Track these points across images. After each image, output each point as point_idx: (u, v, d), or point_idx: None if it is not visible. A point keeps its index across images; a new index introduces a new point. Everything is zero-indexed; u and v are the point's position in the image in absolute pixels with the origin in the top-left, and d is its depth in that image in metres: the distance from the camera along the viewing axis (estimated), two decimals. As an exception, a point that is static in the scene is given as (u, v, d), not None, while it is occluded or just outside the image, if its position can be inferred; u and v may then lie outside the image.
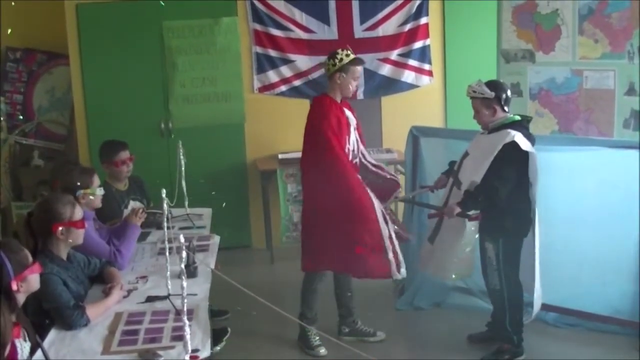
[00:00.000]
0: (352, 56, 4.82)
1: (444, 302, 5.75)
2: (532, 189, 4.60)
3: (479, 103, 4.68)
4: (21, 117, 7.55)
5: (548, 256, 4.92)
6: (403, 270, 4.67)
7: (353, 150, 4.87)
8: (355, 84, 4.89)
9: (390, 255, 4.64)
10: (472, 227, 4.80)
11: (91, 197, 4.41)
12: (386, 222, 4.68)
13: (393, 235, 4.68)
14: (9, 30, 7.15)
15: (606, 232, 5.00)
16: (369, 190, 4.69)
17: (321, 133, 4.73)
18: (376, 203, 4.68)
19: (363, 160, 5.05)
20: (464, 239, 4.84)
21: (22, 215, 5.29)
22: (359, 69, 4.89)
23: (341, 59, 4.80)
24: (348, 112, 4.89)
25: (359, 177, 4.77)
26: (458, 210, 4.61)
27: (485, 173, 4.54)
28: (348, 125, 4.84)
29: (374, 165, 5.11)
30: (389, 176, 5.15)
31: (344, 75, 4.80)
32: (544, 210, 4.76)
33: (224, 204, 6.11)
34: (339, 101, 4.87)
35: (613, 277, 5.06)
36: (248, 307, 5.12)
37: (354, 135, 4.89)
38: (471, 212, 4.66)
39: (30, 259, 3.17)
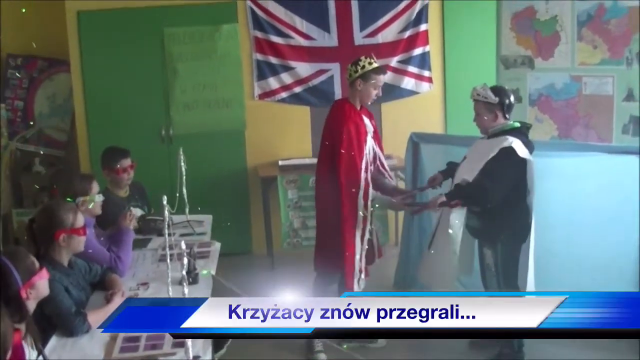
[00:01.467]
0: (374, 64, 4.86)
1: (444, 307, 5.75)
2: (530, 196, 4.62)
3: (482, 107, 4.68)
4: (31, 122, 7.57)
5: (548, 261, 4.94)
6: (362, 284, 4.94)
7: (369, 158, 4.90)
8: (376, 92, 4.91)
9: (357, 271, 4.87)
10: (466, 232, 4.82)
11: (91, 204, 4.42)
12: (362, 242, 4.84)
13: (363, 254, 4.90)
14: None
15: (606, 238, 5.01)
16: (361, 203, 4.77)
17: (337, 141, 4.79)
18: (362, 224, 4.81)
19: (381, 168, 5.09)
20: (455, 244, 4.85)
21: (23, 221, 5.31)
22: (381, 77, 4.93)
23: (363, 66, 4.84)
24: (366, 120, 4.93)
25: (366, 186, 4.81)
26: (442, 199, 4.62)
27: (478, 173, 4.56)
28: (366, 132, 4.88)
29: (389, 176, 5.18)
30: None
31: (365, 83, 4.83)
32: (544, 215, 4.77)
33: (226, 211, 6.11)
34: (358, 108, 4.91)
35: (613, 282, 5.06)
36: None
37: (370, 143, 4.93)
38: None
39: (37, 265, 3.18)
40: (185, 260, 2.91)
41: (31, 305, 3.11)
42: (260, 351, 5.18)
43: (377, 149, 5.05)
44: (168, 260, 3.84)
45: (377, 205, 4.95)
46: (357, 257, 4.84)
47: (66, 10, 6.81)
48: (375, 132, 5.04)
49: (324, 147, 4.99)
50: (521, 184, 4.59)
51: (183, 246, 2.94)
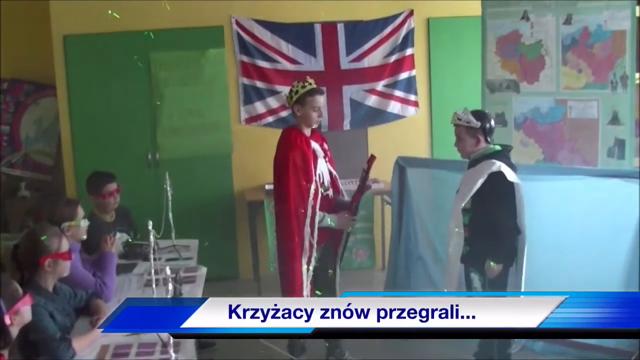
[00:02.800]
0: (308, 87, 4.78)
1: (431, 331, 5.73)
2: (520, 218, 4.63)
3: (463, 131, 4.71)
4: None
5: (535, 282, 4.93)
6: None
7: (323, 183, 4.87)
8: (316, 114, 4.82)
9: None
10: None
11: (76, 228, 4.40)
12: (307, 269, 4.77)
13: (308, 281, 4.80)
14: None
15: (592, 259, 5.02)
16: (307, 231, 4.74)
17: (283, 171, 4.76)
18: (308, 252, 4.76)
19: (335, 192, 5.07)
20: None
21: (8, 247, 5.27)
22: (319, 98, 4.81)
23: (297, 91, 4.79)
24: (315, 144, 4.86)
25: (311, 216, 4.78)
26: (497, 269, 4.61)
27: (478, 210, 4.57)
28: (315, 158, 4.82)
29: (342, 195, 5.15)
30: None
31: (302, 107, 4.79)
32: (530, 237, 4.77)
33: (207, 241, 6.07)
34: (307, 133, 4.86)
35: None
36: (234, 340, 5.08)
37: (323, 166, 4.89)
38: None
39: (21, 291, 3.16)
40: (171, 286, 2.89)
41: (14, 332, 3.09)
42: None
43: (334, 171, 5.02)
44: (154, 286, 3.83)
45: (349, 230, 4.98)
46: (304, 287, 4.76)
47: (52, 34, 6.82)
48: (326, 155, 4.97)
49: (274, 177, 4.93)
50: (509, 207, 4.60)
51: (168, 271, 2.93)
